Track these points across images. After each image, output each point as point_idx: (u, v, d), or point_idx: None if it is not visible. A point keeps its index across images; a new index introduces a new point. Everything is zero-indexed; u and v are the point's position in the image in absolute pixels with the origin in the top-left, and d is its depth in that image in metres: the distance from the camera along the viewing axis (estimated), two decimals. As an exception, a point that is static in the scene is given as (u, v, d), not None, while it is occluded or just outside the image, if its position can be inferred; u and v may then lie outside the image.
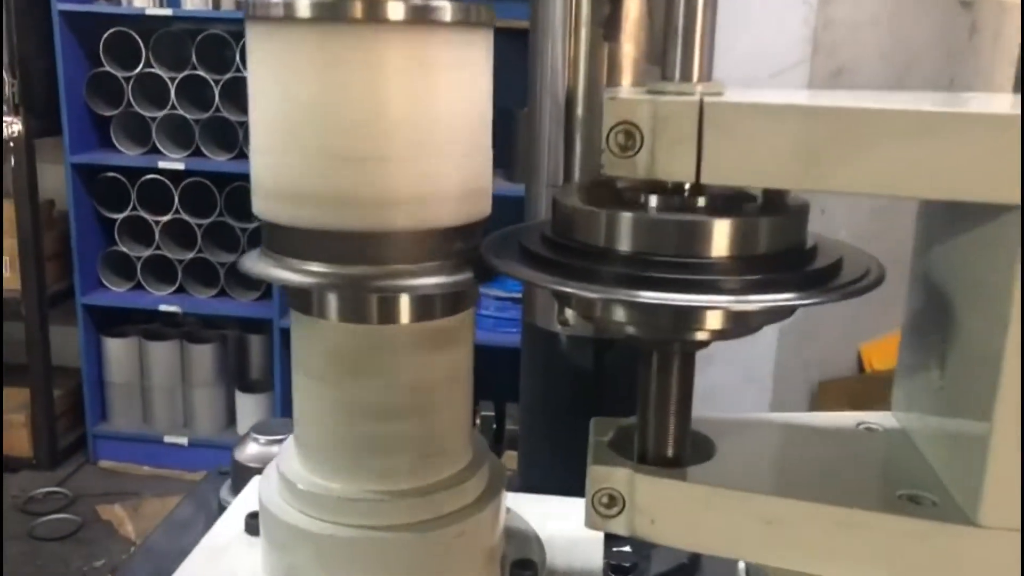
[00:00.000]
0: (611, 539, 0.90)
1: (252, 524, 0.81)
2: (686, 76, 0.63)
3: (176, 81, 3.54)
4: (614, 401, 1.16)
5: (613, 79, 1.02)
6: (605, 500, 0.68)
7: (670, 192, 0.65)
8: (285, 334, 3.71)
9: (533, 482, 1.15)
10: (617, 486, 0.67)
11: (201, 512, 1.06)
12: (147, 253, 3.76)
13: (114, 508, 3.59)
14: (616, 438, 0.72)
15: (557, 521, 0.87)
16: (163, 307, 3.78)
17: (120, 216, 3.72)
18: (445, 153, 0.67)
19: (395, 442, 0.72)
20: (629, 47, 1.01)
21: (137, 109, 3.60)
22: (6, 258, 3.67)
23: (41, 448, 3.82)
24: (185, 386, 3.94)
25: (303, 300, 0.71)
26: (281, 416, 3.39)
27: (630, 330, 0.65)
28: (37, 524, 3.46)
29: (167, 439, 3.91)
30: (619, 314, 0.64)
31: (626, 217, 0.62)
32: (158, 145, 3.63)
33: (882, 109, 0.56)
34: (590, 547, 0.85)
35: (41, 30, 3.52)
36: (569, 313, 1.06)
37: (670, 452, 0.69)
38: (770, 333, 3.19)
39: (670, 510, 0.67)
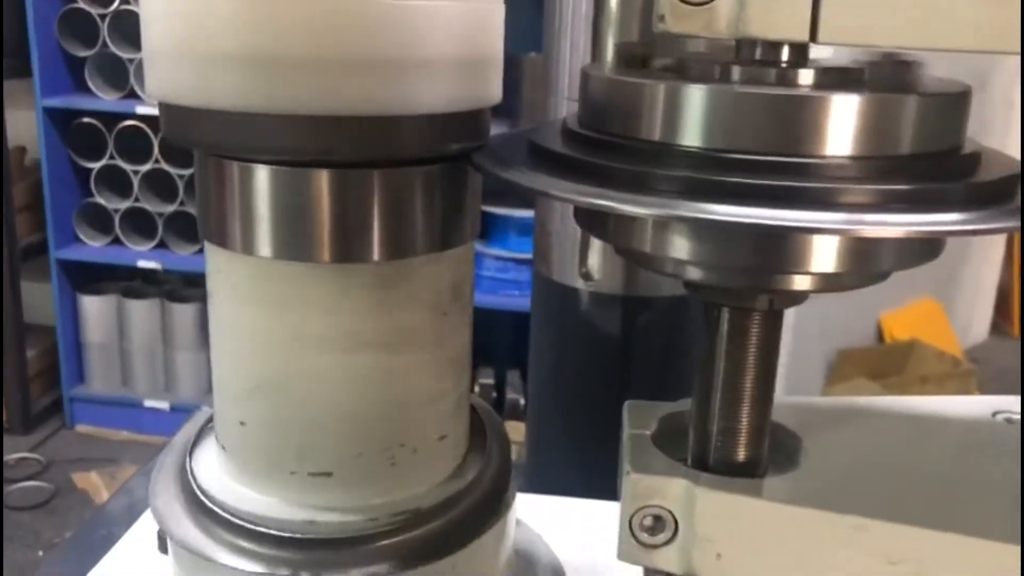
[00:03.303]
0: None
1: (165, 541, 0.59)
2: None
3: (155, 20, 3.29)
4: (646, 375, 0.95)
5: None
6: (649, 523, 0.46)
7: (755, 64, 0.43)
8: (272, 293, 3.50)
9: (543, 469, 0.95)
10: (667, 503, 0.46)
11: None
12: (125, 205, 3.52)
13: (90, 476, 3.40)
14: (661, 431, 0.50)
15: (581, 532, 0.66)
16: (142, 263, 3.55)
17: (96, 165, 3.48)
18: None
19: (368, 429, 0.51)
20: None
21: (114, 50, 3.35)
22: (-27, 209, 3.43)
23: (13, 411, 3.62)
24: (167, 347, 3.72)
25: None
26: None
27: (694, 273, 0.43)
28: (8, 492, 3.26)
29: (147, 403, 3.70)
30: (679, 247, 0.42)
31: (701, 91, 0.39)
32: (136, 89, 3.38)
33: None
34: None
35: (8, -38, 3.27)
36: (593, 264, 0.84)
37: (742, 454, 0.48)
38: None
39: (746, 539, 0.45)
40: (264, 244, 0.49)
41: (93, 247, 3.60)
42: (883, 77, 0.43)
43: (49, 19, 3.34)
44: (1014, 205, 0.40)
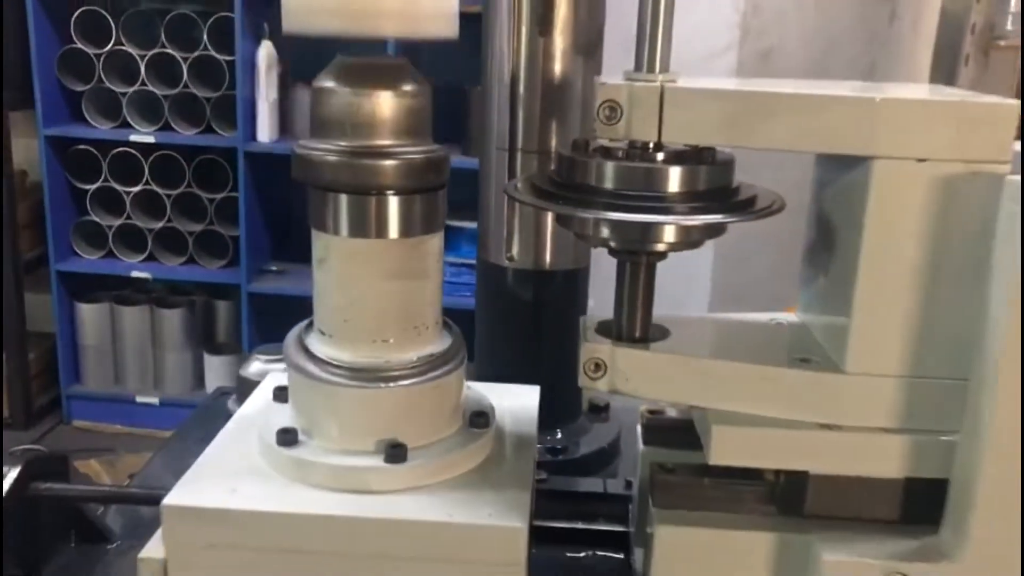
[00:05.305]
0: (544, 428, 1.15)
1: (280, 394, 1.05)
2: (651, 68, 0.91)
3: (146, 59, 3.71)
4: (552, 326, 1.42)
5: (548, 66, 1.31)
6: (592, 367, 0.96)
7: (638, 149, 0.93)
8: (251, 299, 3.92)
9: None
10: (602, 356, 0.96)
11: (211, 423, 1.14)
12: (118, 222, 3.93)
13: (90, 463, 3.75)
14: (600, 327, 1.01)
15: (506, 404, 1.12)
16: (134, 274, 3.96)
17: (92, 187, 3.88)
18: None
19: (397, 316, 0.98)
20: (560, 40, 1.30)
21: (108, 85, 3.77)
22: (-21, 227, 3.81)
23: (16, 408, 3.98)
24: (155, 349, 4.12)
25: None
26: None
27: (613, 244, 0.94)
28: (16, 478, 3.61)
29: (139, 399, 4.09)
30: (604, 231, 0.92)
31: (609, 165, 0.90)
32: (128, 119, 3.79)
33: (778, 92, 0.85)
34: (528, 426, 1.10)
35: (13, 9, 3.66)
36: (515, 249, 1.34)
37: (638, 334, 0.98)
38: (701, 296, 3.50)
39: (640, 372, 0.95)
40: (343, 228, 0.96)
41: (89, 260, 4.01)
42: (699, 154, 0.93)
43: (50, 57, 3.75)
44: (753, 210, 0.90)
